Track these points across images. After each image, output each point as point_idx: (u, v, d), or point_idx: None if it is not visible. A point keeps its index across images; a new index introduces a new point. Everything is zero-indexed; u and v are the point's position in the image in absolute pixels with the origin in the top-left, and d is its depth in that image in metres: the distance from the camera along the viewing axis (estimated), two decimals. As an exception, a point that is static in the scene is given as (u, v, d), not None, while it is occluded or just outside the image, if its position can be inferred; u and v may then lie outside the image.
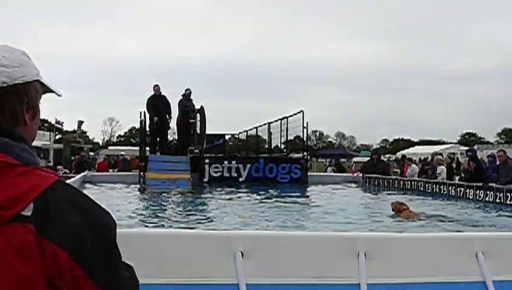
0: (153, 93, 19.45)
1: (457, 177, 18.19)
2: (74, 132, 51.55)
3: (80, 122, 48.75)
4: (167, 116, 19.49)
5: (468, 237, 3.14)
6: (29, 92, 1.60)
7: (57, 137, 49.29)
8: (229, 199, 13.38)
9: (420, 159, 23.68)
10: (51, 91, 1.69)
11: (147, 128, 19.48)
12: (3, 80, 1.52)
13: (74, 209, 1.47)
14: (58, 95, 1.70)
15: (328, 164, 32.80)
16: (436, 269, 2.89)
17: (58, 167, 29.70)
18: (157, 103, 19.09)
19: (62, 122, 50.13)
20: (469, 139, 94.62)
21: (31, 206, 1.40)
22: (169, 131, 21.26)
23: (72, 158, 31.79)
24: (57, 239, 1.40)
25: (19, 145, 1.51)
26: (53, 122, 51.07)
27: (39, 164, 1.55)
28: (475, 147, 34.74)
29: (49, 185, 1.45)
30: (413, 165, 22.95)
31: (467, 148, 31.58)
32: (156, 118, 18.91)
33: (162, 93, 19.57)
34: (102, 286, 1.47)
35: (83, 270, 1.43)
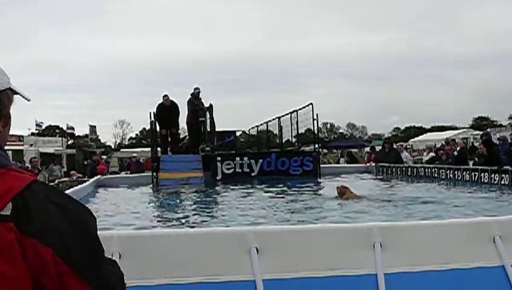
0: (162, 102, 19.43)
1: (471, 162, 18.09)
2: (86, 136, 51.81)
3: (92, 127, 48.98)
4: (175, 124, 19.51)
5: (484, 221, 3.11)
6: (3, 100, 1.61)
7: (69, 142, 49.49)
8: (243, 196, 13.38)
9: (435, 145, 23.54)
10: (19, 94, 1.69)
11: (158, 128, 19.54)
12: None
13: (54, 207, 1.48)
14: (27, 100, 1.70)
15: (339, 155, 32.76)
16: (453, 255, 2.88)
17: (72, 171, 29.84)
18: (166, 114, 19.06)
19: (73, 128, 50.37)
20: (481, 123, 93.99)
21: (9, 205, 1.40)
22: (180, 130, 21.29)
23: (85, 163, 31.90)
24: (39, 236, 1.41)
25: None
26: (64, 128, 51.35)
27: (12, 166, 1.55)
28: (487, 130, 34.50)
29: (26, 185, 1.46)
30: (405, 153, 22.76)
31: (480, 132, 31.43)
32: (163, 130, 18.93)
33: (172, 100, 19.56)
34: (89, 280, 1.48)
35: (68, 267, 1.44)
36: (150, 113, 18.42)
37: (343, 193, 11.54)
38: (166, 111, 19.13)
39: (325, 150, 31.52)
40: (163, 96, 19.59)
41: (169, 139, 19.72)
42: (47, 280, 1.41)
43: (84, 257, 1.49)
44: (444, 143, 23.93)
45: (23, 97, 1.70)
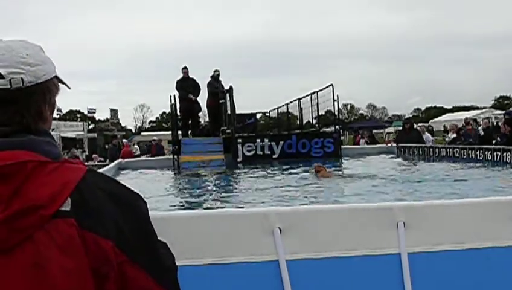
0: (181, 76, 19.49)
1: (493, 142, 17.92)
2: (107, 120, 52.10)
3: (114, 111, 49.21)
4: (194, 98, 19.50)
5: (506, 201, 3.08)
6: (51, 89, 1.63)
7: (90, 127, 49.83)
8: (264, 177, 13.40)
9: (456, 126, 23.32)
10: (62, 83, 1.70)
11: (178, 112, 19.57)
12: (29, 80, 1.54)
13: (109, 198, 1.51)
14: (69, 88, 1.71)
15: (354, 135, 32.58)
16: (477, 234, 2.86)
17: (94, 155, 30.05)
18: (185, 85, 19.13)
19: (94, 111, 50.64)
20: (503, 103, 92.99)
21: (68, 201, 1.43)
22: (200, 114, 21.31)
23: (106, 146, 32.11)
24: (99, 230, 1.44)
25: (44, 140, 1.54)
26: (85, 112, 51.64)
27: (62, 156, 1.57)
28: (510, 109, 34.15)
29: (81, 178, 1.48)
30: (427, 134, 22.53)
31: (502, 112, 31.08)
32: (190, 95, 18.93)
33: (190, 76, 19.59)
34: (146, 267, 1.52)
35: (126, 256, 1.48)
36: (170, 96, 18.46)
37: (317, 170, 12.70)
38: (186, 82, 19.18)
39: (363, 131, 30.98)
40: (182, 69, 19.61)
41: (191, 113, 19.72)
42: (109, 271, 1.44)
43: (139, 244, 1.52)
44: (464, 124, 23.69)
45: (66, 85, 1.71)
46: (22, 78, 1.52)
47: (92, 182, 1.51)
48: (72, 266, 1.38)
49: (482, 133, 19.29)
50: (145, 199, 1.63)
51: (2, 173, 1.40)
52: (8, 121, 1.50)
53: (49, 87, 1.61)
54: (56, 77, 1.65)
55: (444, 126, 41.58)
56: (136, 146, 32.12)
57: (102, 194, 1.50)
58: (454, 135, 21.23)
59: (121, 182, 1.63)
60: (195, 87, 19.46)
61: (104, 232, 1.44)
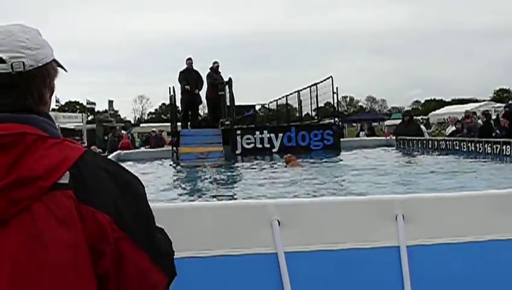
0: (185, 67, 19.43)
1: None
2: (106, 111, 52.09)
3: (110, 102, 49.16)
4: (197, 91, 19.45)
5: (505, 193, 3.08)
6: (51, 72, 1.65)
7: (90, 118, 49.80)
8: (262, 169, 13.40)
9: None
10: (60, 66, 1.71)
11: (179, 103, 19.56)
12: (30, 64, 1.55)
13: (107, 176, 1.52)
14: (65, 70, 1.72)
15: (359, 128, 32.62)
16: (476, 227, 2.85)
17: (92, 147, 30.06)
18: (189, 77, 19.08)
19: (94, 103, 50.63)
20: (502, 96, 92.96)
21: (67, 174, 1.44)
22: (200, 106, 21.27)
23: (105, 138, 32.12)
24: (96, 204, 1.45)
25: (44, 120, 1.56)
26: (84, 103, 51.61)
27: (61, 136, 1.59)
28: (510, 102, 34.12)
29: (80, 155, 1.50)
30: (422, 127, 22.47)
31: (501, 104, 31.08)
32: (187, 86, 18.86)
33: (194, 68, 19.54)
34: (142, 245, 1.52)
35: (123, 232, 1.48)
36: (170, 88, 18.44)
37: (287, 161, 13.32)
38: (189, 73, 19.10)
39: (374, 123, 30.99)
40: (187, 60, 19.51)
41: (190, 112, 19.71)
42: (105, 247, 1.45)
43: (137, 223, 1.53)
44: (464, 116, 23.66)
45: (63, 68, 1.71)
46: (23, 62, 1.53)
47: (92, 161, 1.53)
48: (69, 238, 1.39)
49: (481, 124, 19.26)
50: (143, 183, 1.63)
51: (2, 143, 1.42)
52: (13, 104, 1.52)
53: (48, 70, 1.62)
54: (54, 60, 1.66)
55: (444, 119, 41.56)
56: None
57: (101, 172, 1.52)
58: (453, 128, 21.21)
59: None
60: (198, 80, 19.40)
61: (101, 207, 1.45)
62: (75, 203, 1.42)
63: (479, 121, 21.81)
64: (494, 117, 26.09)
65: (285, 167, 13.10)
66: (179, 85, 19.07)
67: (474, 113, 27.08)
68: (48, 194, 1.40)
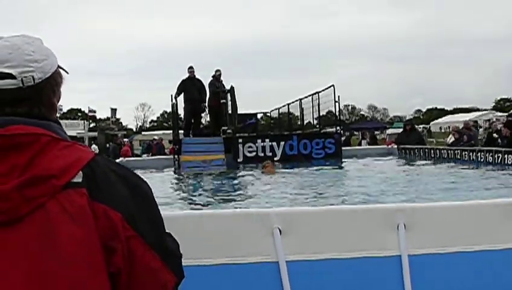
0: (187, 75, 19.38)
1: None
2: (108, 119, 52.15)
3: (113, 110, 49.20)
4: (200, 100, 19.39)
5: (507, 203, 3.07)
6: (58, 81, 1.70)
7: (91, 125, 49.84)
8: (264, 178, 13.39)
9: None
10: (62, 69, 1.75)
11: (183, 112, 19.56)
12: (39, 76, 1.60)
13: (118, 178, 1.57)
14: (67, 73, 1.76)
15: (361, 137, 32.60)
16: (479, 236, 2.85)
17: (93, 146, 30.02)
18: (191, 86, 19.03)
19: (95, 111, 50.68)
20: (504, 105, 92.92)
21: (80, 173, 1.49)
22: (202, 114, 21.22)
23: (107, 145, 32.13)
24: (108, 202, 1.49)
25: (57, 126, 1.62)
26: (86, 111, 51.66)
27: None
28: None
29: (92, 157, 1.55)
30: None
31: (504, 114, 31.09)
32: (176, 95, 18.72)
33: (197, 77, 19.50)
34: (153, 245, 1.56)
35: (134, 231, 1.52)
36: (171, 95, 18.44)
37: (264, 166, 14.74)
38: (192, 82, 19.02)
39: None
40: (188, 68, 19.45)
41: (193, 121, 19.68)
42: (117, 244, 1.48)
43: (147, 223, 1.57)
44: (463, 126, 23.64)
45: (64, 70, 1.75)
46: (32, 76, 1.57)
47: (103, 163, 1.57)
48: (83, 234, 1.43)
49: (481, 134, 19.27)
50: (150, 186, 1.68)
51: (18, 143, 1.47)
52: (27, 113, 1.56)
53: (55, 79, 1.67)
54: (58, 66, 1.70)
55: (448, 127, 41.53)
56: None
57: (112, 174, 1.56)
58: (453, 139, 21.20)
59: None
60: (201, 89, 19.36)
61: (113, 205, 1.49)
62: (88, 200, 1.46)
63: (480, 131, 21.79)
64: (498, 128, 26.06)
65: (262, 172, 14.35)
66: (182, 93, 19.04)
67: (476, 122, 27.01)
68: (61, 192, 1.44)
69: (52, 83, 1.65)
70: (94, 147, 27.30)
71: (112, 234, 1.47)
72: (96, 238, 1.44)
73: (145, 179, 1.66)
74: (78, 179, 1.47)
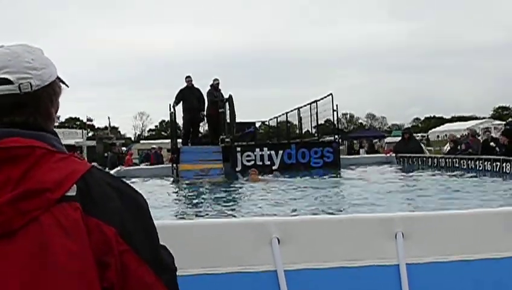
0: (185, 85, 19.39)
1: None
2: (106, 128, 52.16)
3: (110, 119, 49.19)
4: (199, 109, 19.40)
5: (505, 211, 3.07)
6: (56, 90, 1.71)
7: (90, 134, 49.86)
8: (262, 188, 13.39)
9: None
10: (62, 82, 1.76)
11: (182, 121, 19.57)
12: (37, 84, 1.60)
13: (113, 191, 1.55)
14: (67, 86, 1.76)
15: (359, 146, 32.63)
16: (478, 245, 2.84)
17: (92, 164, 29.95)
18: (189, 95, 19.04)
19: (92, 119, 50.72)
20: (502, 113, 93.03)
21: (74, 187, 1.48)
22: (200, 123, 21.23)
23: (106, 154, 32.11)
24: (102, 216, 1.48)
25: (52, 137, 1.61)
26: (84, 120, 51.70)
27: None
28: (510, 120, 34.19)
29: (87, 170, 1.54)
30: None
31: (502, 122, 31.13)
32: (174, 104, 18.73)
33: (195, 86, 19.51)
34: (147, 260, 1.54)
35: (128, 245, 1.50)
36: (170, 104, 18.46)
37: (251, 174, 15.11)
38: (190, 91, 19.02)
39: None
40: (186, 78, 19.47)
41: (191, 130, 19.69)
42: (110, 259, 1.47)
43: (141, 237, 1.55)
44: (467, 134, 23.64)
45: (65, 84, 1.76)
46: (30, 83, 1.58)
47: (98, 176, 1.56)
48: (76, 248, 1.42)
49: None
50: (146, 200, 1.67)
51: (13, 155, 1.46)
52: (24, 122, 1.56)
53: (54, 88, 1.68)
54: (58, 77, 1.71)
55: (445, 135, 41.59)
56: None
57: (107, 186, 1.55)
58: (449, 148, 21.20)
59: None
60: (199, 98, 19.38)
61: (106, 219, 1.48)
62: (81, 215, 1.45)
63: (479, 138, 21.78)
64: (493, 135, 26.10)
65: (246, 180, 14.82)
66: (181, 102, 19.05)
67: (474, 131, 27.00)
68: (56, 206, 1.43)
69: (50, 92, 1.65)
70: (95, 164, 27.40)
71: (106, 248, 1.46)
72: (89, 253, 1.43)
73: (140, 191, 1.65)
74: (72, 192, 1.46)
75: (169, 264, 1.68)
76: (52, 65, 1.69)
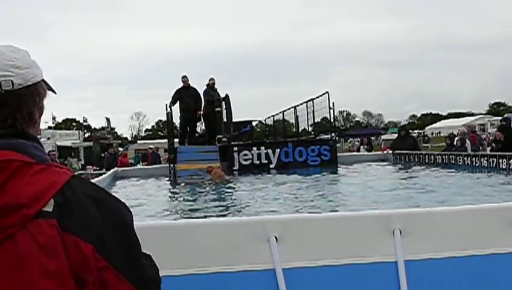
0: (181, 85, 19.36)
1: (488, 148, 17.93)
2: (103, 129, 52.09)
3: (107, 120, 49.13)
4: (195, 108, 19.37)
5: (502, 207, 3.07)
6: (40, 92, 1.66)
7: (86, 135, 49.78)
8: (260, 186, 13.37)
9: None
10: (50, 89, 1.73)
11: (178, 121, 19.56)
12: (19, 82, 1.57)
13: (92, 203, 1.50)
14: (54, 93, 1.73)
15: (360, 143, 32.62)
16: (474, 241, 2.85)
17: (88, 166, 29.90)
18: (186, 95, 19.02)
19: (86, 119, 50.66)
20: (498, 109, 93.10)
21: (51, 202, 1.43)
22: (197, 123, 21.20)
23: (102, 155, 32.05)
24: (80, 233, 1.44)
25: (32, 144, 1.55)
26: (81, 121, 51.64)
27: (49, 161, 1.57)
28: (505, 115, 34.23)
29: (66, 181, 1.48)
30: None
31: (498, 118, 31.16)
32: (171, 103, 18.71)
33: (191, 85, 19.48)
34: (126, 275, 1.50)
35: (106, 262, 1.46)
36: (166, 104, 18.43)
37: (209, 171, 15.21)
38: (187, 91, 18.99)
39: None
40: (182, 78, 19.43)
41: (188, 129, 19.67)
42: (88, 276, 1.43)
43: (121, 251, 1.51)
44: (465, 130, 23.61)
45: (52, 90, 1.73)
46: (11, 81, 1.55)
47: (77, 187, 1.51)
48: (53, 267, 1.38)
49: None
50: (130, 209, 1.62)
51: None
52: (2, 122, 1.53)
53: (38, 90, 1.63)
54: (43, 80, 1.67)
55: (439, 132, 41.66)
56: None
57: (86, 199, 1.50)
58: (445, 145, 21.22)
59: (114, 190, 1.64)
60: (196, 98, 19.35)
61: (84, 236, 1.44)
62: (58, 232, 1.41)
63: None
64: (489, 130, 26.14)
65: (208, 179, 14.72)
66: (178, 102, 19.04)
67: (473, 127, 27.03)
68: (32, 222, 1.39)
69: (34, 92, 1.61)
70: (89, 168, 27.29)
71: (83, 265, 1.42)
72: (67, 271, 1.40)
73: (123, 202, 1.61)
74: (49, 208, 1.42)
75: (152, 276, 1.65)
76: (38, 67, 1.66)
